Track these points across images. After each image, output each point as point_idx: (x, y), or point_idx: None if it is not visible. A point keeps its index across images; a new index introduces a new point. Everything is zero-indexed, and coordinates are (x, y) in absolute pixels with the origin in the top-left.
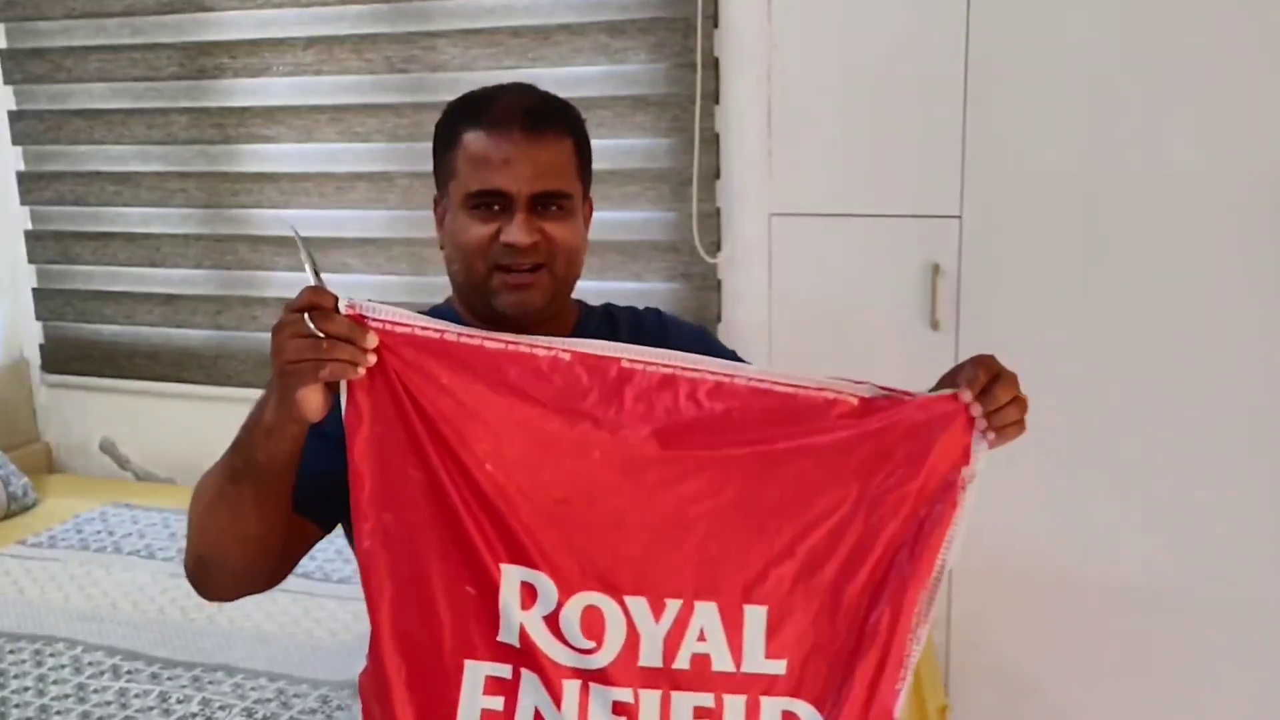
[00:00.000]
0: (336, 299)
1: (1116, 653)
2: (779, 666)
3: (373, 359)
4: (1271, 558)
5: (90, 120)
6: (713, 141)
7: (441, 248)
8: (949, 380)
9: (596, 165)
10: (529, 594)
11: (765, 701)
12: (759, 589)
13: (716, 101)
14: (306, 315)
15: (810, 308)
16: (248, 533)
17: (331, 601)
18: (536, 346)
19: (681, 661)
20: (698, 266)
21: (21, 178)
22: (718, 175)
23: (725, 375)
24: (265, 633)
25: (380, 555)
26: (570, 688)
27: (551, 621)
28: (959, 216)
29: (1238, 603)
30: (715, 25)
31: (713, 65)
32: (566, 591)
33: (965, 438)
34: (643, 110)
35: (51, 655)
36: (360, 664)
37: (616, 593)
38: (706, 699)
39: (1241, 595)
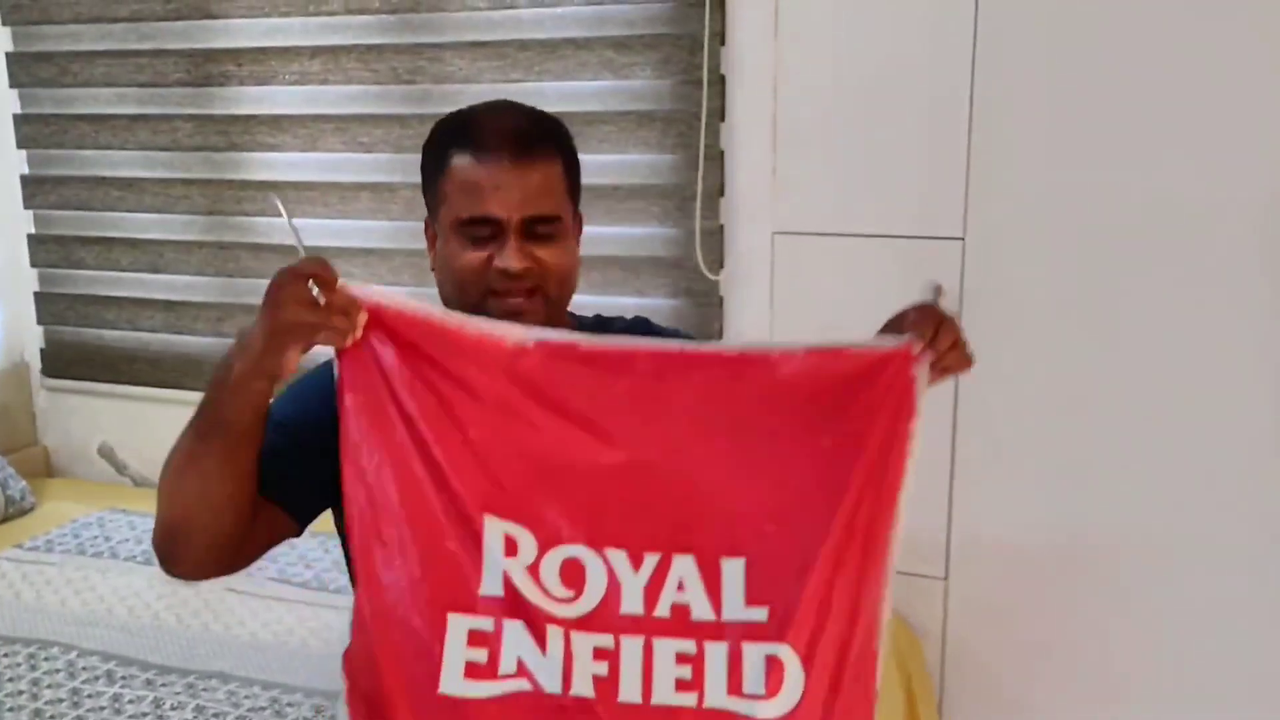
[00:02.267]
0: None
1: (1114, 675)
2: (760, 614)
3: (360, 332)
4: (1275, 576)
5: (95, 125)
6: (717, 158)
7: (433, 269)
8: (894, 327)
9: (600, 180)
10: (510, 545)
11: (747, 647)
12: (735, 541)
13: (722, 118)
14: (311, 282)
15: (811, 326)
16: (218, 493)
17: (327, 611)
18: (508, 336)
19: (662, 610)
20: (700, 283)
21: (25, 181)
22: (721, 192)
23: (676, 350)
24: (260, 641)
25: (367, 518)
26: (554, 633)
27: (533, 570)
28: (962, 238)
29: (1242, 626)
30: (722, 42)
31: (719, 82)
32: (545, 545)
33: (912, 387)
34: (648, 126)
35: (46, 659)
36: None
37: (597, 545)
38: (688, 645)
39: (1246, 618)
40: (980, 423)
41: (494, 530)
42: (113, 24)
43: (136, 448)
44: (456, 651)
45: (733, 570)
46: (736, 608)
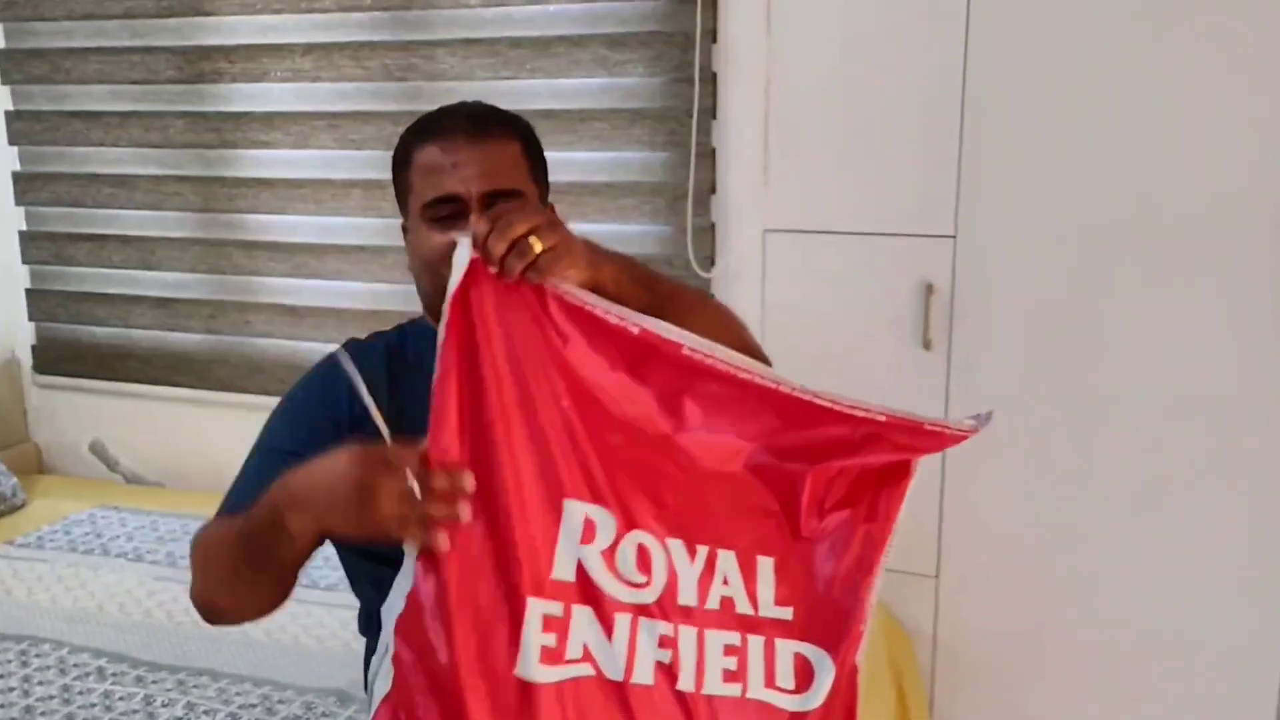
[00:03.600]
0: (426, 453)
1: (1105, 673)
2: (787, 613)
3: (467, 516)
4: (1268, 579)
5: (88, 122)
6: (709, 156)
7: (410, 269)
8: None
9: (593, 178)
10: (589, 529)
11: (779, 643)
12: (766, 542)
13: (714, 116)
14: (410, 476)
15: (803, 324)
16: (268, 596)
17: (318, 608)
18: (610, 313)
19: (712, 602)
20: (692, 281)
21: (17, 178)
22: (713, 190)
23: (772, 383)
24: (251, 638)
25: None
26: (622, 621)
27: (609, 555)
28: (953, 236)
29: (1236, 620)
30: (714, 40)
31: (710, 80)
32: (625, 527)
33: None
34: (640, 124)
35: (37, 656)
36: (347, 672)
37: (659, 534)
38: (734, 638)
39: (1239, 612)
40: None
41: (574, 513)
42: (105, 21)
43: (128, 444)
44: (533, 635)
45: (765, 568)
46: (769, 605)
